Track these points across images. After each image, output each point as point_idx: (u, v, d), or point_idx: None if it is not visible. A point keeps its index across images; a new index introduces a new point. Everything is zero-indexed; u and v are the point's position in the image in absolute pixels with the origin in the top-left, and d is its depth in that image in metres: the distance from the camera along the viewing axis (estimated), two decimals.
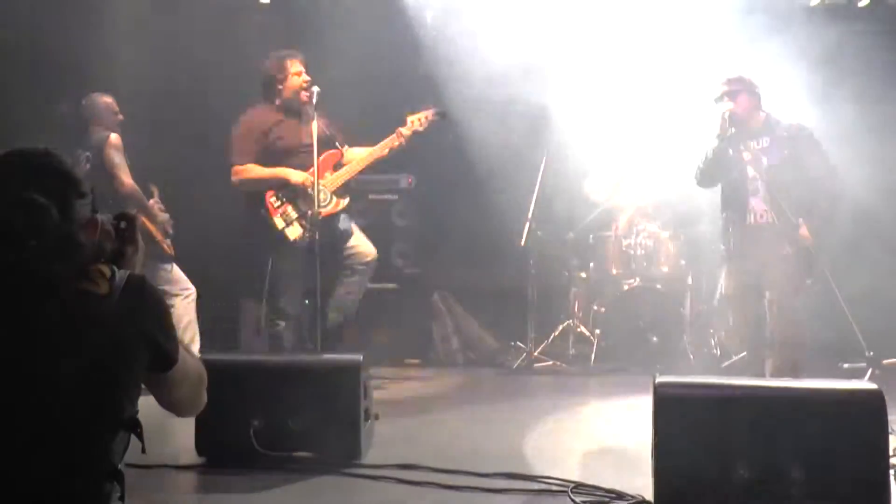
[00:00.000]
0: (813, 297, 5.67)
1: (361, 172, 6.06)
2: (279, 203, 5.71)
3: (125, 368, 1.92)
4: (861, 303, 6.92)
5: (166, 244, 6.33)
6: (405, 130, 5.92)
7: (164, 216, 6.37)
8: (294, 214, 5.70)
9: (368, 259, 6.06)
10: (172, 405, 2.12)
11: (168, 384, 2.06)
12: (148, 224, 6.19)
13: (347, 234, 6.00)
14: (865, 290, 7.71)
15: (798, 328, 5.46)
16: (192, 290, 6.50)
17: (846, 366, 7.05)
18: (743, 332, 5.71)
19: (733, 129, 5.51)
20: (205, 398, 2.19)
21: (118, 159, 6.03)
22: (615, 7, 9.32)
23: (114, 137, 6.08)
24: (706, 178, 5.74)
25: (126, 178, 6.04)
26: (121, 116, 6.32)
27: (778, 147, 5.51)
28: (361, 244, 6.06)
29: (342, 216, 5.99)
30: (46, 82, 7.33)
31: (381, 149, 5.93)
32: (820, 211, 5.46)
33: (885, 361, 6.59)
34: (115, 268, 1.97)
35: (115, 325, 1.90)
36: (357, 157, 5.96)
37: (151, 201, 6.43)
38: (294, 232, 5.69)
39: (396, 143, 5.92)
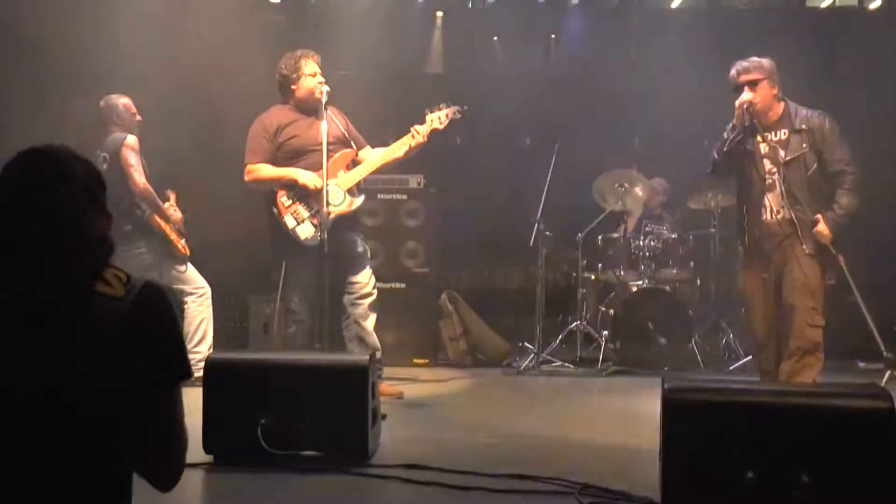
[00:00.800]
0: (830, 295, 5.48)
1: (375, 172, 6.00)
2: (290, 202, 5.68)
3: (135, 370, 1.91)
4: (880, 301, 6.85)
5: (181, 244, 6.36)
6: (422, 128, 5.82)
7: (178, 217, 6.40)
8: (305, 213, 5.66)
9: (369, 297, 5.89)
10: (162, 438, 2.01)
11: (168, 404, 2.00)
12: (162, 224, 6.22)
13: (357, 258, 5.92)
14: (885, 288, 7.67)
15: (815, 333, 5.23)
16: (207, 289, 6.53)
17: (862, 365, 6.99)
18: (756, 329, 5.48)
19: (750, 121, 5.27)
20: (183, 467, 2.07)
21: (133, 160, 6.10)
22: (624, 9, 9.35)
23: (130, 139, 6.15)
24: (720, 169, 5.55)
25: (139, 179, 6.10)
26: (139, 117, 6.38)
27: (796, 139, 5.26)
28: (366, 277, 5.92)
29: (356, 239, 5.92)
30: (58, 81, 7.36)
31: (397, 148, 5.85)
32: (839, 206, 5.23)
33: None
34: (130, 274, 1.97)
35: (127, 327, 1.89)
36: (373, 156, 5.91)
37: (168, 204, 6.46)
38: (305, 231, 5.64)
39: (414, 143, 5.80)
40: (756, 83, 5.29)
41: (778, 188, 5.26)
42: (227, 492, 4.10)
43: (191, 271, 6.48)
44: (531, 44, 9.51)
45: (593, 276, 8.08)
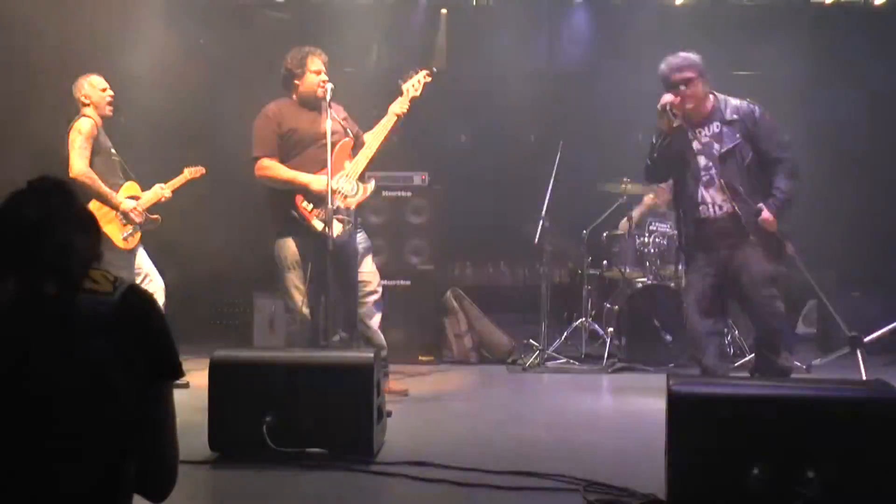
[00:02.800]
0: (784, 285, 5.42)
1: (380, 168, 6.04)
2: (312, 206, 5.65)
3: (125, 365, 1.92)
4: (836, 281, 6.81)
5: (122, 236, 6.10)
6: (402, 100, 5.86)
7: (128, 206, 6.15)
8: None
9: (375, 294, 5.91)
10: (153, 440, 2.01)
11: (159, 404, 2.01)
12: (97, 211, 5.94)
13: (362, 255, 5.90)
14: (840, 268, 7.69)
15: (776, 319, 5.20)
16: (157, 285, 6.22)
17: (817, 362, 6.91)
18: (698, 329, 5.33)
19: (677, 122, 5.17)
20: (175, 476, 2.07)
21: (77, 143, 5.95)
22: (628, 5, 9.33)
23: (81, 122, 6.02)
24: (654, 174, 5.44)
25: (76, 163, 5.92)
26: (111, 93, 6.19)
27: (730, 131, 5.17)
28: (371, 275, 5.94)
29: (360, 236, 5.92)
30: (59, 81, 7.36)
31: (386, 125, 5.87)
32: (780, 191, 5.12)
33: (866, 339, 6.35)
34: (118, 276, 2.01)
35: (117, 322, 1.92)
36: (368, 141, 5.93)
37: (155, 189, 6.36)
38: (335, 229, 5.61)
39: (397, 115, 5.84)
40: (690, 81, 5.18)
41: (716, 182, 5.15)
42: (233, 489, 4.10)
43: (137, 262, 6.20)
44: (535, 41, 9.51)
45: (598, 273, 8.08)
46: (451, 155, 9.16)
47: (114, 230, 6.10)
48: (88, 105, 6.13)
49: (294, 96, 5.87)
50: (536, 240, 7.43)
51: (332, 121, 5.63)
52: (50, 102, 6.73)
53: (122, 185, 6.26)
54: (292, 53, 5.87)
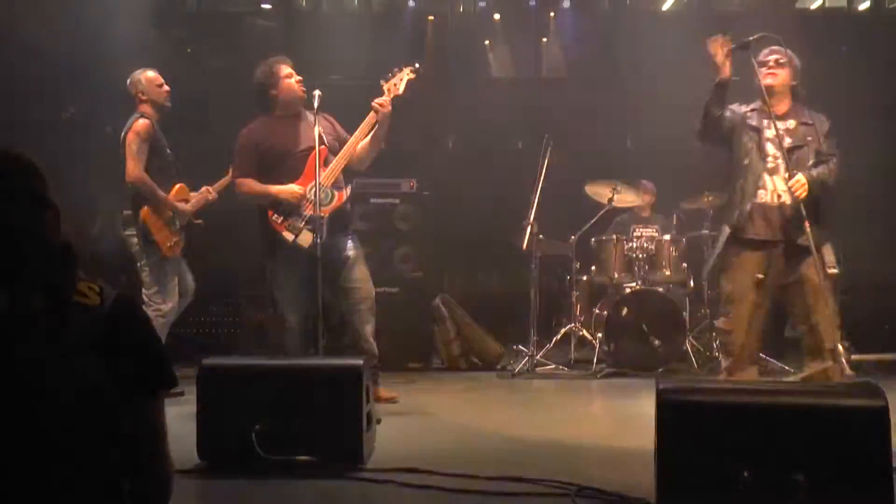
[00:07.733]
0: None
1: (365, 174, 6.01)
2: (281, 218, 5.62)
3: (117, 379, 1.91)
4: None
5: (167, 245, 6.07)
6: (382, 100, 5.74)
7: (185, 208, 6.15)
8: (300, 223, 5.61)
9: (367, 301, 5.88)
10: (147, 452, 1.99)
11: (156, 414, 2.00)
12: (147, 219, 5.99)
13: (352, 262, 5.89)
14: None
15: (836, 331, 5.20)
16: (166, 307, 6.09)
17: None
18: (738, 339, 5.31)
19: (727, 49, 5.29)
20: (170, 489, 2.05)
21: (135, 146, 5.90)
22: (615, 11, 9.37)
23: (139, 123, 5.95)
24: (708, 129, 5.37)
25: (132, 168, 5.88)
26: (166, 88, 6.17)
27: (803, 130, 5.24)
28: (363, 282, 5.91)
29: (349, 242, 5.89)
30: (53, 86, 7.36)
31: (365, 128, 5.79)
32: (817, 171, 5.19)
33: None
34: (104, 285, 1.99)
35: (107, 335, 1.90)
36: (347, 145, 5.85)
37: (202, 191, 6.33)
38: (305, 239, 5.58)
39: (379, 117, 5.71)
40: (782, 64, 5.32)
41: (782, 173, 5.18)
42: (222, 498, 4.09)
43: (166, 278, 6.08)
44: (522, 47, 9.54)
45: (586, 279, 8.09)
46: (438, 161, 9.17)
47: (165, 237, 6.06)
48: (146, 101, 6.08)
49: (273, 109, 5.81)
50: (525, 246, 7.44)
51: (309, 130, 5.59)
52: (35, 115, 6.73)
53: (173, 187, 6.19)
54: (259, 69, 5.82)
